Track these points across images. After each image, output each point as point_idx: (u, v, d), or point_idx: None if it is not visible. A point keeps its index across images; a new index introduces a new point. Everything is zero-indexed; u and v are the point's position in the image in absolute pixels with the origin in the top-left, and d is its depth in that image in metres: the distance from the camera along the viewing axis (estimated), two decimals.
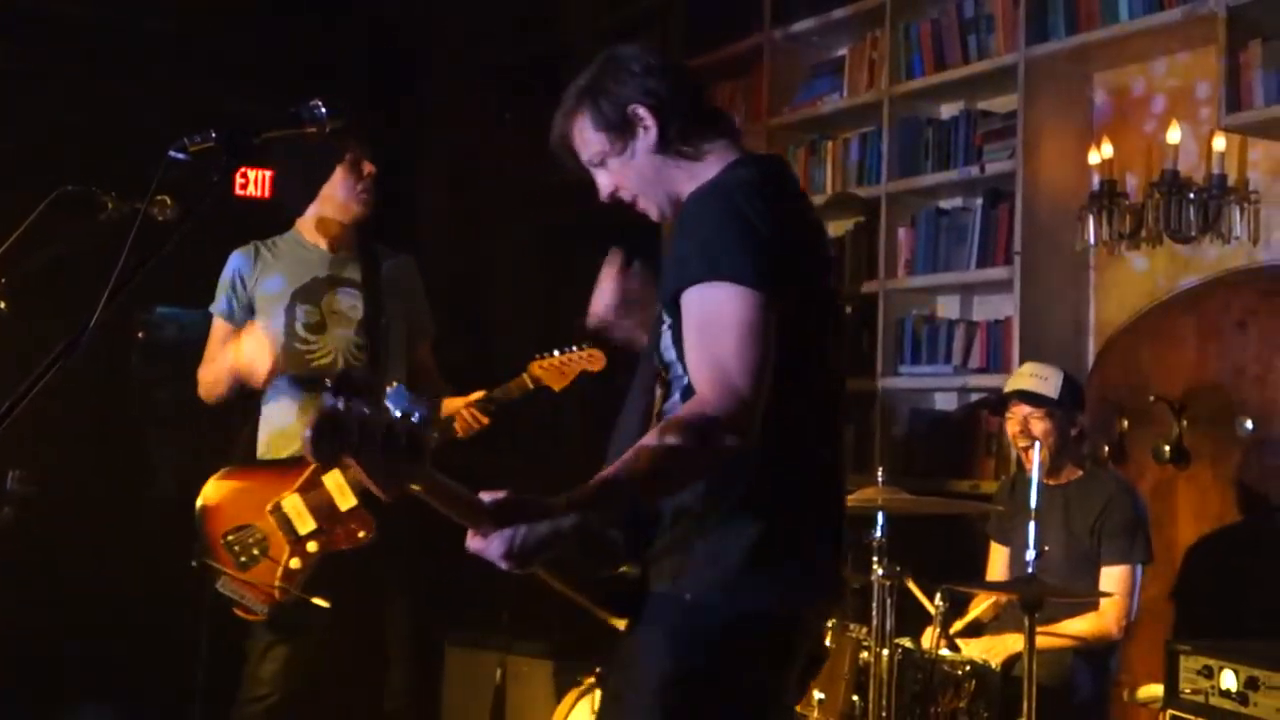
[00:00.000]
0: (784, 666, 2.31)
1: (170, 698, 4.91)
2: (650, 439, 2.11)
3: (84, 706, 5.42)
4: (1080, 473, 4.18)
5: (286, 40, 6.09)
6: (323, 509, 3.81)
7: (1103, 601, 3.94)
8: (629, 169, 2.44)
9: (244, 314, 4.01)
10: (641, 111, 2.40)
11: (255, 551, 3.81)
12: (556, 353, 3.89)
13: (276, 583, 3.77)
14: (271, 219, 4.22)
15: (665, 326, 2.32)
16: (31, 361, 2.08)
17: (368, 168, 4.03)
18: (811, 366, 2.29)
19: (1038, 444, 3.77)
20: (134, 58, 5.79)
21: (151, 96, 5.57)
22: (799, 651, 2.33)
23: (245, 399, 4.02)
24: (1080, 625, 3.96)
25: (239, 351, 3.85)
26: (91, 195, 3.29)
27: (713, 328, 2.15)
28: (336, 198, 4.04)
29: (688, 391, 2.21)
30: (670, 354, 2.31)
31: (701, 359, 2.15)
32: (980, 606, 4.08)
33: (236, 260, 4.06)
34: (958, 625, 3.92)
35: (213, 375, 3.98)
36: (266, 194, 6.03)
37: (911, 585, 3.60)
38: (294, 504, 3.82)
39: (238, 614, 3.83)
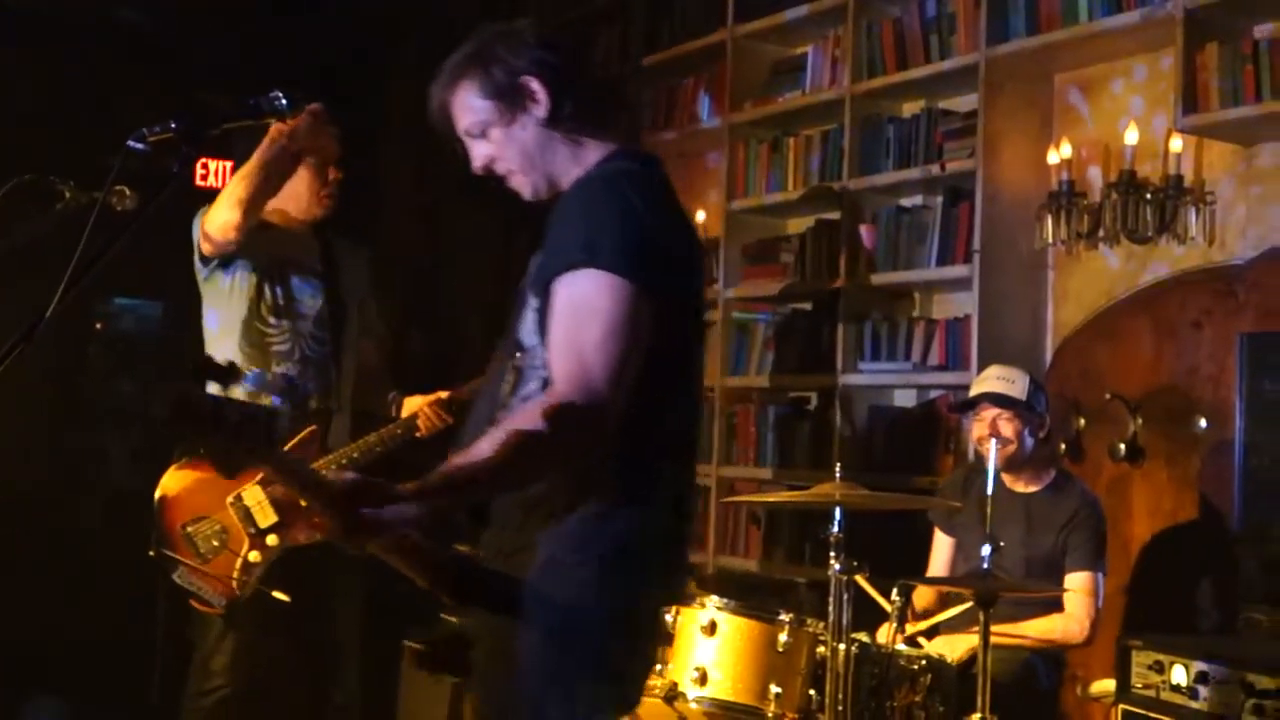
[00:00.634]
0: (641, 659, 2.32)
1: (125, 691, 4.89)
2: (501, 431, 2.08)
3: (38, 701, 5.39)
4: (1046, 481, 4.20)
5: (253, 32, 6.08)
6: (284, 502, 3.79)
7: (1070, 606, 3.97)
8: (512, 142, 2.37)
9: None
10: (535, 84, 2.34)
11: (215, 543, 3.79)
12: None
13: (235, 575, 3.76)
14: None
15: (531, 310, 2.27)
16: None
17: (333, 173, 4.02)
18: (677, 366, 2.28)
19: (994, 441, 3.80)
20: (100, 50, 5.77)
21: (117, 88, 5.54)
22: (653, 642, 2.34)
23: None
24: (1047, 626, 3.99)
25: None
26: (49, 185, 3.28)
27: (580, 317, 2.12)
28: (300, 197, 4.02)
29: (548, 383, 2.18)
30: (532, 339, 2.27)
31: (563, 349, 2.13)
32: (940, 616, 4.08)
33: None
34: (919, 626, 3.93)
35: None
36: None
37: (864, 583, 3.61)
38: (255, 496, 3.80)
39: (194, 606, 3.81)
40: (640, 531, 2.23)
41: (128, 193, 3.18)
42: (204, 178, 6.03)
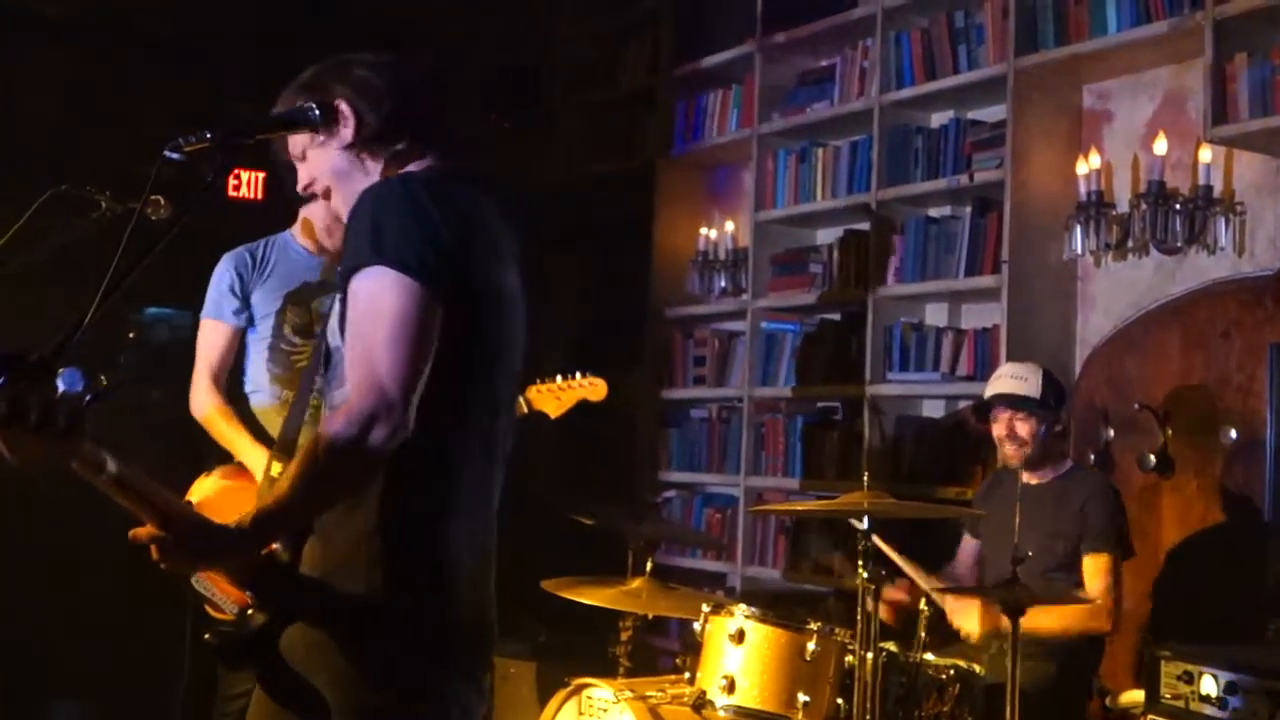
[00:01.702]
0: (449, 664, 2.28)
1: (153, 696, 4.92)
2: (303, 457, 2.12)
3: (66, 704, 5.42)
4: (1063, 469, 4.23)
5: (281, 42, 6.12)
6: None
7: (1089, 589, 3.99)
8: (322, 161, 2.41)
9: (241, 314, 3.97)
10: (344, 107, 2.37)
11: None
12: (558, 379, 3.88)
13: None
14: (264, 221, 4.22)
15: (335, 314, 2.30)
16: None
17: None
18: (475, 363, 2.27)
19: (1010, 443, 3.83)
20: (133, 59, 5.82)
21: (150, 98, 5.59)
22: (464, 649, 2.32)
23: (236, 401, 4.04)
24: (1070, 615, 3.99)
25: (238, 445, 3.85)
26: (86, 195, 3.31)
27: (370, 319, 2.13)
28: (325, 205, 4.03)
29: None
30: (337, 339, 2.29)
31: (355, 352, 2.14)
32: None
33: (230, 262, 4.01)
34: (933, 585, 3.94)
35: (201, 413, 3.96)
36: (260, 196, 6.04)
37: (881, 544, 3.62)
38: None
39: (209, 611, 3.83)
40: (443, 536, 2.24)
41: (162, 202, 3.21)
42: (236, 188, 6.06)
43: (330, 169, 2.42)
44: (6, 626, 5.09)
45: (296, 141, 2.43)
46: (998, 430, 4.20)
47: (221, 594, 3.77)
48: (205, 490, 3.88)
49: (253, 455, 3.80)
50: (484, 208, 2.37)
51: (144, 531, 2.09)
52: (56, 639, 5.33)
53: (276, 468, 2.43)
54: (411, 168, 2.40)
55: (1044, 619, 3.86)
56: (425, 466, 2.22)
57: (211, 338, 3.98)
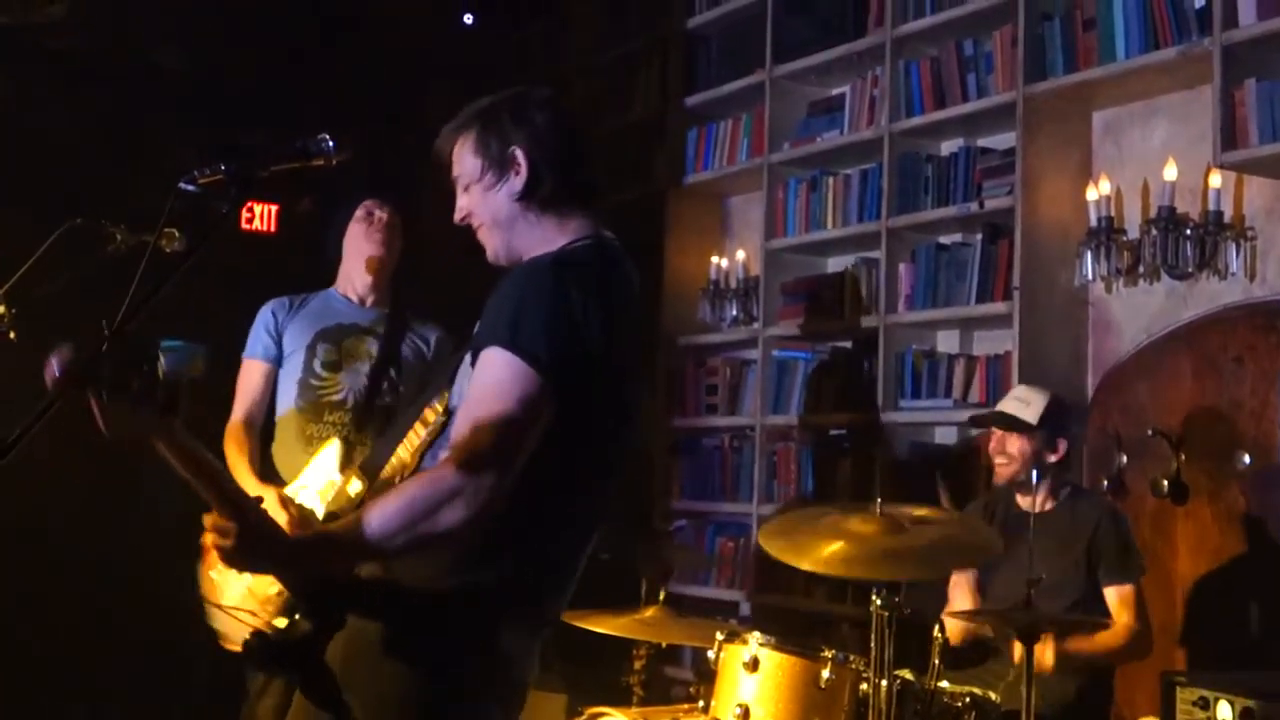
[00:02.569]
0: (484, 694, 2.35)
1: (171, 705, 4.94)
2: (389, 501, 2.17)
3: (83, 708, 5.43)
4: (1062, 495, 4.18)
5: (293, 75, 6.16)
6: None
7: (1120, 622, 3.98)
8: (487, 203, 2.45)
9: (274, 352, 4.06)
10: (521, 157, 2.42)
11: (242, 583, 3.81)
12: None
13: (257, 611, 3.75)
14: (278, 254, 4.26)
15: (464, 375, 2.34)
16: (41, 390, 2.12)
17: (379, 215, 4.10)
18: (578, 460, 2.32)
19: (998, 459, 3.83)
20: (147, 93, 5.86)
21: (164, 132, 5.63)
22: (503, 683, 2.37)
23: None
24: (1111, 638, 3.97)
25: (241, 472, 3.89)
26: (101, 227, 3.33)
27: (488, 398, 2.17)
28: (353, 247, 4.12)
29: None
30: (457, 400, 2.34)
31: (467, 423, 2.18)
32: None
33: (270, 305, 4.14)
34: None
35: (231, 444, 3.99)
36: (273, 229, 6.07)
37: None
38: None
39: (223, 645, 3.83)
40: (506, 604, 2.31)
41: (177, 235, 3.23)
42: (249, 221, 6.09)
43: (491, 214, 2.46)
44: (27, 658, 5.11)
45: (464, 169, 2.46)
46: (990, 446, 4.23)
47: (228, 627, 3.78)
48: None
49: (244, 482, 3.84)
50: (633, 293, 2.43)
51: (212, 519, 2.15)
52: (78, 673, 5.35)
53: (356, 486, 2.46)
54: (572, 234, 2.42)
55: (1089, 641, 3.89)
56: (526, 521, 2.27)
57: (245, 375, 4.10)
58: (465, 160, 2.47)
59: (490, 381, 2.18)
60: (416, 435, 2.45)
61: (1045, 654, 3.81)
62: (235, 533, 2.15)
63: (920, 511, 3.69)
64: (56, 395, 1.91)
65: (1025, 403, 4.17)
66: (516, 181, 2.42)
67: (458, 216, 2.51)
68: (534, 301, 2.23)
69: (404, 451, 2.55)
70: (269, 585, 3.75)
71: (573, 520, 2.40)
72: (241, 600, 3.81)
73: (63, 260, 3.33)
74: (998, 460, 4.18)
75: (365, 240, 4.12)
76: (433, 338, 4.16)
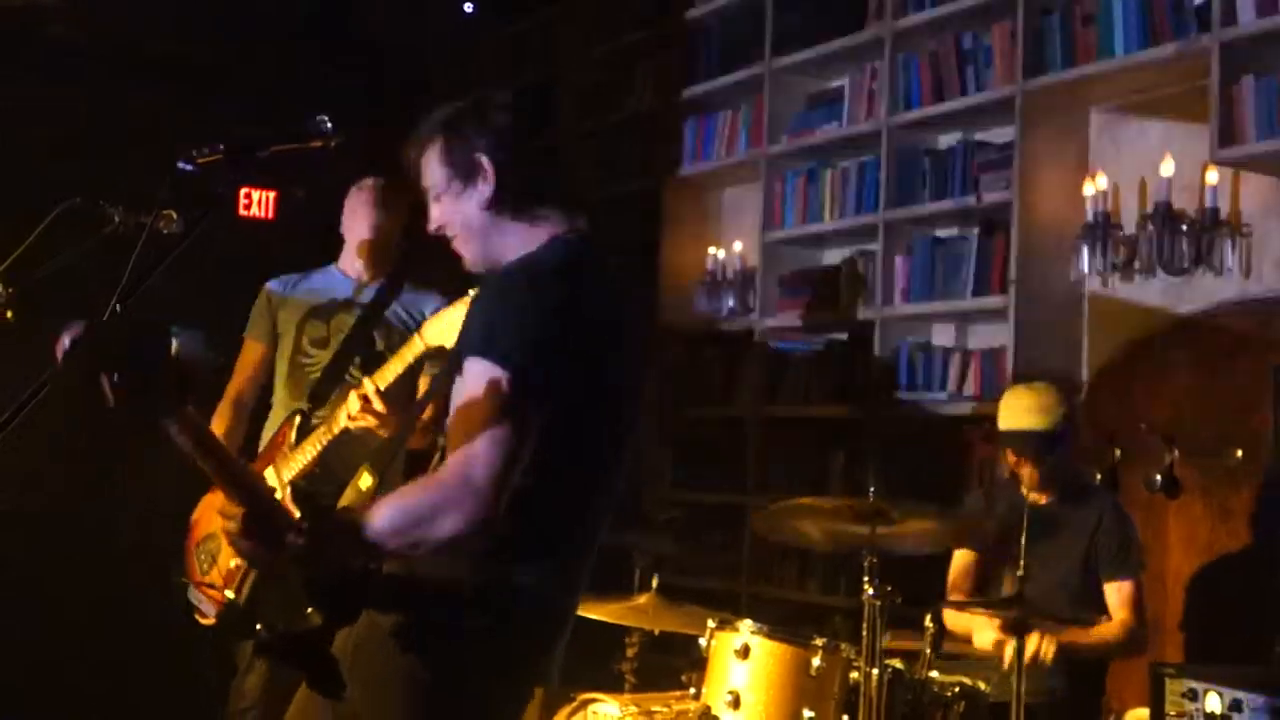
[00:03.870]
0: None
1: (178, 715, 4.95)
2: (390, 505, 2.21)
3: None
4: (1068, 487, 4.19)
5: (287, 68, 6.17)
6: None
7: (1118, 617, 4.01)
8: (458, 212, 2.46)
9: (270, 333, 4.07)
10: (485, 162, 2.42)
11: (211, 558, 3.84)
12: None
13: (220, 583, 3.77)
14: (275, 239, 4.27)
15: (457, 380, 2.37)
16: (36, 372, 2.12)
17: (366, 192, 4.11)
18: (575, 454, 2.34)
19: (1026, 472, 3.80)
20: (142, 79, 5.87)
21: (160, 116, 5.64)
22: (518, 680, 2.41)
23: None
24: (1108, 632, 4.00)
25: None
26: (98, 208, 3.33)
27: (473, 409, 2.19)
28: (347, 225, 4.16)
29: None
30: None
31: (455, 435, 2.21)
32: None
33: (270, 284, 4.16)
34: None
35: (215, 421, 4.02)
36: (271, 215, 6.07)
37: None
38: None
39: (198, 619, 3.85)
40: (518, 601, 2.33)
41: (174, 216, 3.23)
42: (247, 207, 6.08)
43: (463, 222, 2.46)
44: (26, 647, 5.12)
45: (433, 180, 2.47)
46: (1012, 457, 4.16)
47: (206, 601, 3.80)
48: (204, 505, 3.94)
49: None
50: (611, 296, 2.43)
51: (221, 503, 2.18)
52: (79, 661, 5.36)
53: (366, 480, 2.47)
54: (545, 234, 2.42)
55: (1084, 633, 3.93)
56: (534, 521, 2.30)
57: (242, 354, 4.15)
58: (433, 170, 2.47)
59: (473, 392, 2.20)
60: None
61: (1047, 649, 3.83)
62: (241, 517, 2.17)
63: (910, 506, 3.71)
64: (66, 370, 1.92)
65: (1044, 412, 4.12)
66: (484, 188, 2.43)
67: (431, 227, 2.52)
68: (507, 309, 2.25)
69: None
70: (229, 559, 3.80)
71: (580, 517, 2.42)
72: (208, 575, 3.85)
73: (60, 241, 3.33)
74: (1023, 471, 4.12)
75: (354, 219, 4.13)
76: (429, 308, 4.03)
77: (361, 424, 3.59)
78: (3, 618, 5.06)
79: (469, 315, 2.33)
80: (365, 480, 2.59)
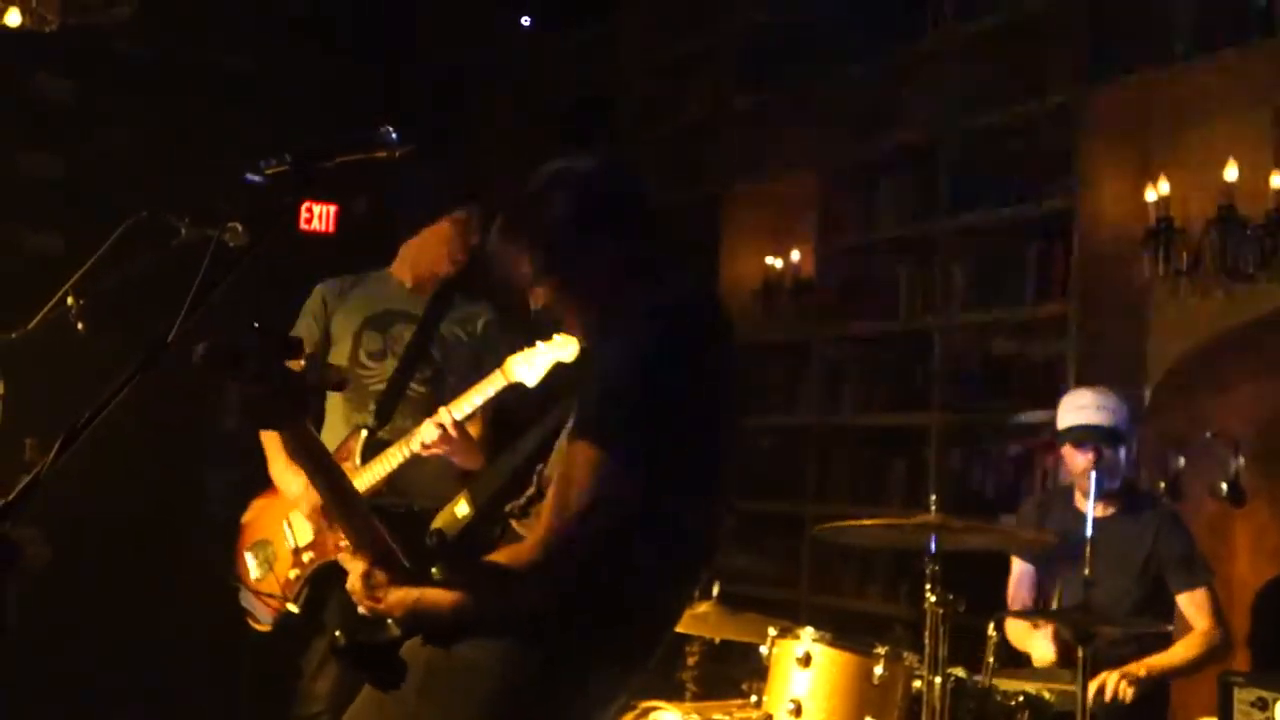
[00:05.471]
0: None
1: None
2: (495, 568, 2.25)
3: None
4: (1121, 502, 4.15)
5: (350, 82, 6.23)
6: (320, 519, 3.83)
7: (1198, 626, 3.99)
8: (561, 300, 2.45)
9: (317, 337, 4.04)
10: (577, 248, 2.41)
11: (265, 564, 3.88)
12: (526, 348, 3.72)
13: (278, 592, 3.81)
14: (336, 253, 4.28)
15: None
16: (108, 381, 2.15)
17: (474, 237, 4.02)
18: (664, 512, 2.32)
19: (1094, 474, 3.75)
20: (212, 93, 5.95)
21: (228, 131, 5.71)
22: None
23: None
24: (1192, 646, 3.98)
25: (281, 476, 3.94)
26: (166, 221, 3.38)
27: (573, 488, 2.21)
28: (436, 250, 4.05)
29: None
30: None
31: (553, 507, 2.23)
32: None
33: (321, 288, 4.11)
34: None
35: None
36: (331, 229, 6.13)
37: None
38: (299, 515, 3.88)
39: (251, 625, 3.89)
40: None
41: (240, 229, 3.27)
42: (309, 221, 6.13)
43: (563, 308, 2.47)
44: (71, 648, 5.19)
45: (523, 271, 2.44)
46: (1083, 462, 4.10)
47: (260, 608, 3.85)
48: (253, 510, 3.99)
49: (282, 475, 3.91)
50: (717, 346, 2.41)
51: (355, 564, 2.29)
52: (125, 663, 5.43)
53: (464, 509, 2.50)
54: (644, 303, 2.36)
55: (1165, 656, 3.91)
56: (623, 571, 2.30)
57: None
58: (520, 264, 2.45)
59: (574, 473, 2.22)
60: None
61: (1125, 691, 3.80)
62: (366, 571, 2.27)
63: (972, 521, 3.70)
64: (200, 376, 2.01)
65: (1109, 410, 4.09)
66: (584, 268, 2.42)
67: (535, 306, 2.50)
68: (612, 388, 2.26)
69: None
70: (289, 569, 3.86)
71: (671, 568, 2.41)
72: (263, 581, 3.89)
73: (129, 254, 3.38)
74: (1092, 475, 4.07)
75: (448, 252, 4.03)
76: (480, 320, 4.08)
77: (435, 452, 3.67)
78: (74, 623, 5.13)
79: (580, 392, 2.32)
80: (462, 508, 2.64)
